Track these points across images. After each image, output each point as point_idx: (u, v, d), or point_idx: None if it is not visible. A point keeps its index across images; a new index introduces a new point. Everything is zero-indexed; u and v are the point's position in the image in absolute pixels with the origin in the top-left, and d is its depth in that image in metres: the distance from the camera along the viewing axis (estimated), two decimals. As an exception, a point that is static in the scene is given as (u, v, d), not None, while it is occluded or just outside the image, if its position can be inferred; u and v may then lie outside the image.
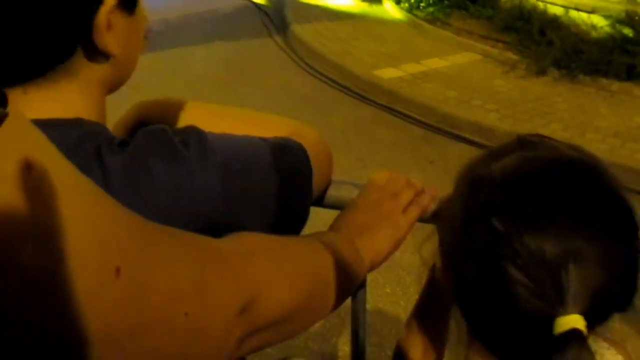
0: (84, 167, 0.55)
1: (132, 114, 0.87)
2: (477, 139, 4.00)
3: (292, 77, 5.19)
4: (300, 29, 6.05)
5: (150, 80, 5.12)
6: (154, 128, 0.61)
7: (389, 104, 4.53)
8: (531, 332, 0.56)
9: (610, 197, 0.59)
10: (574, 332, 0.53)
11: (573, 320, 0.54)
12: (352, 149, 3.90)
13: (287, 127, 0.81)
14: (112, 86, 0.67)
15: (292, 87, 4.96)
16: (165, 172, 0.57)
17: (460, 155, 3.78)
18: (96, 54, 0.61)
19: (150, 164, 0.57)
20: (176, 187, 0.57)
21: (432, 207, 0.79)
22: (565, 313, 0.54)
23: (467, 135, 4.06)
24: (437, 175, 3.52)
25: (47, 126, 0.58)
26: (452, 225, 0.64)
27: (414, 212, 0.78)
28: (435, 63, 5.23)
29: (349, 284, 0.70)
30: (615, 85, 4.67)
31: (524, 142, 0.66)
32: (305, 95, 4.79)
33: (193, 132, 0.62)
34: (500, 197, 0.59)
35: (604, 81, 4.72)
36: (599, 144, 3.80)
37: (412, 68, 5.07)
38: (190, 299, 0.40)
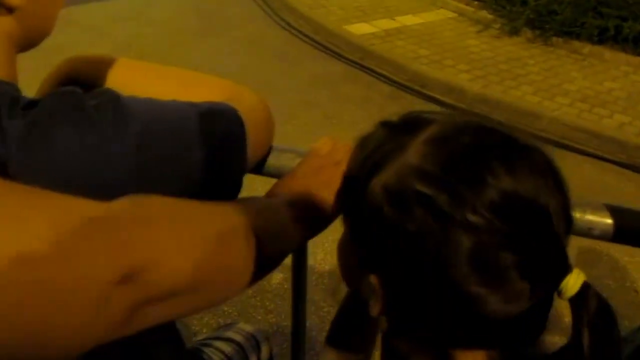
0: None
1: (60, 70, 0.81)
2: (447, 100, 3.97)
3: (263, 29, 5.07)
4: (273, -20, 5.90)
5: (115, 27, 4.98)
6: (65, 90, 0.56)
7: (359, 60, 4.46)
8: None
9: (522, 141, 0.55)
10: (585, 285, 0.51)
11: (576, 273, 0.51)
12: (319, 105, 3.84)
13: (224, 90, 0.76)
14: (22, 43, 0.61)
15: (262, 40, 4.85)
16: (71, 139, 0.52)
17: (429, 115, 3.75)
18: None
19: (55, 130, 0.52)
20: (81, 156, 0.52)
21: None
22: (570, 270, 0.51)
23: (437, 96, 4.02)
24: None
25: None
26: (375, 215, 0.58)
27: None
28: (408, 20, 5.14)
29: (274, 253, 0.65)
30: (587, 48, 4.65)
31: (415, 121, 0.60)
32: (274, 48, 4.69)
33: (110, 96, 0.57)
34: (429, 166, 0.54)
35: (576, 44, 4.70)
36: (568, 108, 3.80)
37: (384, 24, 4.99)
38: (47, 264, 0.36)
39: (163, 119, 0.59)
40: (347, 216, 0.64)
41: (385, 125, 0.61)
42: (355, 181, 0.59)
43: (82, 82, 0.79)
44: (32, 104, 0.54)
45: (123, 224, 0.43)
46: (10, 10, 0.56)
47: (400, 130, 0.58)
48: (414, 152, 0.54)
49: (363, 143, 0.62)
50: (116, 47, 4.54)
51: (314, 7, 5.26)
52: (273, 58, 4.52)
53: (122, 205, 0.45)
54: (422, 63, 4.31)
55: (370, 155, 0.58)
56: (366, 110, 3.80)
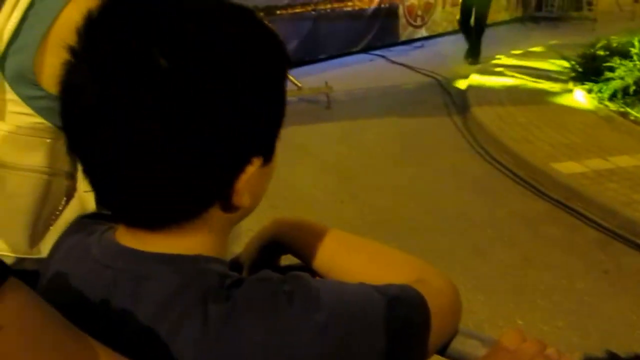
0: (187, 312, 0.56)
1: (268, 232, 0.89)
2: (662, 252, 3.62)
3: (465, 160, 5.09)
4: (480, 111, 5.97)
5: (324, 148, 5.32)
6: (263, 276, 0.62)
7: (564, 201, 4.26)
8: None
9: None
10: None
11: None
12: (517, 245, 3.70)
13: (414, 271, 0.78)
14: (238, 222, 0.69)
15: (463, 170, 4.87)
16: (257, 328, 0.57)
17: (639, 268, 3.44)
18: (229, 207, 0.63)
19: (244, 320, 0.57)
20: (264, 344, 0.57)
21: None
22: None
23: (651, 247, 3.68)
24: (610, 289, 3.22)
25: (163, 261, 0.61)
26: None
27: None
28: (623, 161, 4.85)
29: None
30: None
31: None
32: (475, 180, 4.67)
33: (303, 284, 0.62)
34: None
35: None
36: None
37: (596, 164, 4.75)
38: None
39: (349, 309, 0.63)
40: None
41: None
42: None
43: (285, 244, 0.87)
44: (237, 283, 0.60)
45: None
46: (238, 208, 0.63)
47: None
48: None
49: None
50: (322, 167, 4.83)
51: (520, 141, 5.20)
52: (472, 190, 4.50)
53: None
54: (636, 209, 4.01)
55: None
56: (569, 255, 3.58)
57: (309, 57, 7.97)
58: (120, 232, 0.65)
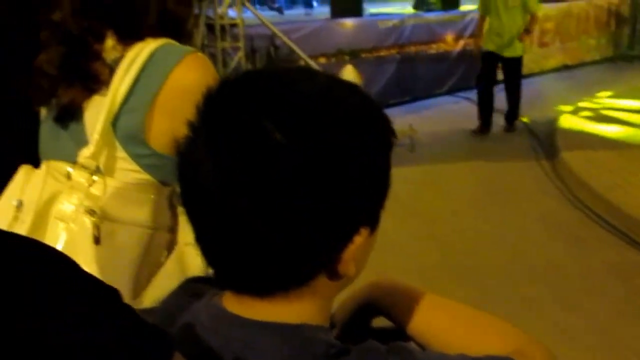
0: None
1: (363, 294, 0.90)
2: None
3: (554, 207, 4.94)
4: (569, 156, 5.80)
5: (406, 189, 5.30)
6: (370, 347, 0.64)
7: (662, 252, 4.06)
8: None
9: None
10: None
11: None
12: (610, 297, 3.54)
13: (514, 341, 0.77)
14: (341, 289, 0.71)
15: (552, 218, 4.72)
16: None
17: None
18: (335, 275, 0.66)
19: None
20: None
21: None
22: None
23: None
24: None
25: (271, 329, 0.64)
26: None
27: None
28: None
29: None
30: None
31: None
32: (565, 227, 4.52)
33: (409, 356, 0.64)
34: None
35: None
36: None
37: (696, 213, 4.51)
38: None
39: None
40: None
41: None
42: None
43: (380, 307, 0.88)
44: (344, 351, 0.62)
45: None
46: (343, 277, 0.66)
47: None
48: None
49: None
50: (405, 209, 4.80)
51: (613, 187, 5.00)
52: (561, 237, 4.36)
53: None
54: None
55: None
56: (665, 310, 3.40)
57: (393, 99, 8.02)
58: (227, 298, 0.68)
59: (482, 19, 6.98)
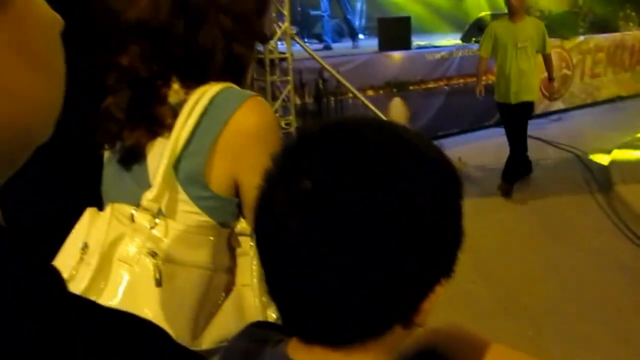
0: None
1: (426, 340, 0.89)
2: None
3: (610, 242, 4.81)
4: (625, 189, 5.64)
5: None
6: None
7: None
8: None
9: None
10: None
11: None
12: (673, 339, 3.41)
13: None
14: (407, 339, 0.70)
15: (607, 253, 4.59)
16: None
17: None
18: (410, 325, 0.66)
19: None
20: None
21: None
22: None
23: None
24: None
25: None
26: None
27: None
28: None
29: None
30: None
31: None
32: (621, 264, 4.39)
33: None
34: None
35: None
36: None
37: None
38: None
39: None
40: None
41: None
42: None
43: (442, 355, 0.86)
44: None
45: None
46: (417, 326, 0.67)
47: None
48: None
49: None
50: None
51: (672, 223, 4.85)
52: (618, 274, 4.22)
53: None
54: None
55: None
56: None
57: (441, 131, 7.98)
58: (293, 347, 0.68)
59: (483, 61, 5.96)
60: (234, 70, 1.26)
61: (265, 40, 1.40)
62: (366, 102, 6.77)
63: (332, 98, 6.90)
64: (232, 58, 1.25)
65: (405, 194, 0.61)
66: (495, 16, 9.32)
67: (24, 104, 0.45)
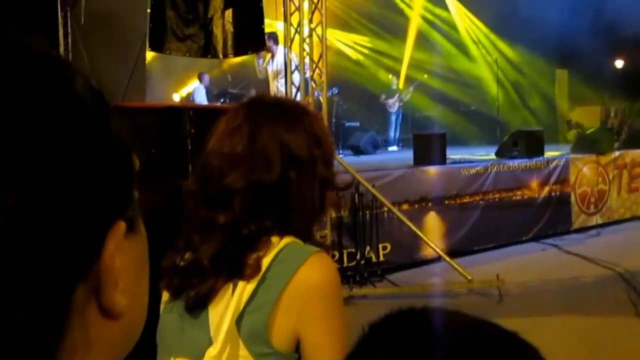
0: None
1: None
2: None
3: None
4: (673, 312, 5.43)
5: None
6: None
7: None
8: None
9: None
10: None
11: None
12: None
13: None
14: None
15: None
16: None
17: None
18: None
19: None
20: None
21: None
22: None
23: None
24: None
25: None
26: None
27: None
28: None
29: None
30: None
31: None
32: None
33: None
34: None
35: None
36: None
37: None
38: None
39: None
40: None
41: None
42: None
43: None
44: None
45: None
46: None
47: None
48: None
49: None
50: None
51: None
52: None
53: None
54: None
55: None
56: None
57: (477, 246, 7.89)
58: None
59: None
60: (316, 217, 1.31)
61: (335, 186, 1.40)
62: (401, 216, 6.79)
63: (368, 211, 6.92)
64: (322, 204, 1.29)
65: None
66: (529, 133, 9.46)
67: (143, 312, 0.53)
